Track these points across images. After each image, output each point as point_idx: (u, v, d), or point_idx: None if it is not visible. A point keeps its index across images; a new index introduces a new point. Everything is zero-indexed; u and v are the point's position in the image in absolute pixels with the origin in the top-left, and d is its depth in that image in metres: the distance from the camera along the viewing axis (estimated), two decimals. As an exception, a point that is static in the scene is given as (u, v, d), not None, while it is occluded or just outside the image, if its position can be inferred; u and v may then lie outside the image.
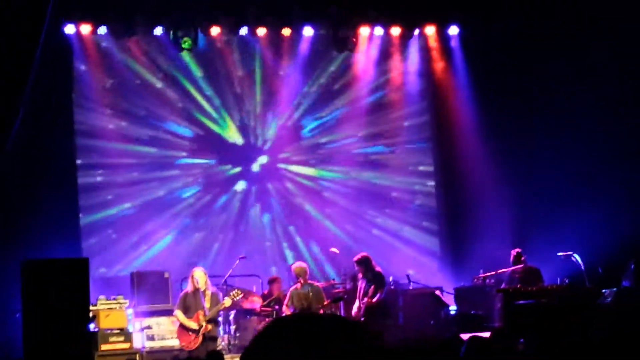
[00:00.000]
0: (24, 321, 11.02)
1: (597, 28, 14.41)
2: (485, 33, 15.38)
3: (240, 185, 15.83)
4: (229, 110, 15.71)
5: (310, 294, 12.51)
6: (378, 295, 12.55)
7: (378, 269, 12.88)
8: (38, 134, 13.72)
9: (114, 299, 12.92)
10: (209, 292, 11.93)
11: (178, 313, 11.94)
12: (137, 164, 15.24)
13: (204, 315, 11.76)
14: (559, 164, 14.82)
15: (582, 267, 12.79)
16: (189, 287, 12.02)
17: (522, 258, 13.31)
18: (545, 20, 14.92)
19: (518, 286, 12.71)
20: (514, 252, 13.46)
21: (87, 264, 11.46)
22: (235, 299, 12.14)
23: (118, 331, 12.60)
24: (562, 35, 14.78)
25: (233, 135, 15.78)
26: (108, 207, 14.95)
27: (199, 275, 11.95)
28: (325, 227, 15.89)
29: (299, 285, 12.61)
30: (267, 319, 13.18)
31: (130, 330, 12.84)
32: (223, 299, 12.11)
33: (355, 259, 12.97)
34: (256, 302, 13.80)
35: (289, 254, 15.66)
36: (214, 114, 15.64)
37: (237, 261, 13.82)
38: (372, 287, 12.55)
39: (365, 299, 12.56)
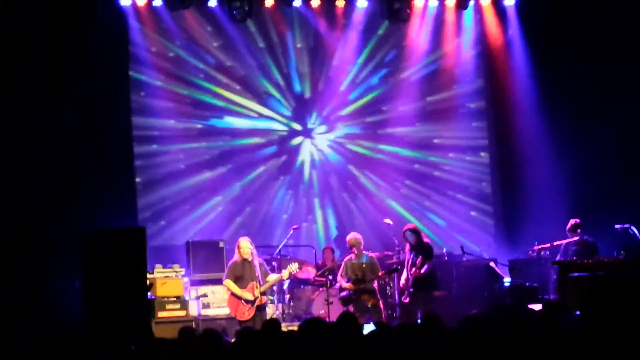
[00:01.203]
0: (84, 289, 11.25)
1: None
2: (542, 2, 15.13)
3: (289, 158, 15.86)
4: (280, 81, 15.73)
5: (365, 264, 12.54)
6: (426, 267, 12.44)
7: (427, 240, 12.80)
8: (93, 107, 13.86)
9: (170, 268, 13.15)
10: (256, 263, 11.95)
11: (229, 282, 11.90)
12: (192, 137, 15.36)
13: (258, 286, 11.82)
14: (617, 134, 14.60)
15: (640, 240, 12.62)
16: (236, 257, 12.00)
17: (579, 230, 13.14)
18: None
19: (574, 258, 12.59)
20: (572, 221, 13.25)
21: (144, 233, 11.64)
22: (292, 272, 12.18)
23: (174, 299, 12.82)
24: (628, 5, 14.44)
25: (283, 107, 15.81)
26: (164, 176, 15.11)
27: (245, 245, 11.94)
28: (376, 199, 15.89)
29: (353, 255, 12.63)
30: (321, 289, 13.29)
31: (187, 298, 13.06)
32: (279, 271, 12.17)
33: (403, 229, 12.90)
34: (310, 272, 13.92)
35: (322, 225, 15.71)
36: (263, 85, 15.65)
37: (291, 231, 13.94)
38: (420, 258, 12.49)
39: (414, 270, 12.49)
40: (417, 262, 12.41)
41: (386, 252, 14.18)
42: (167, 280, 12.90)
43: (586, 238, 13.14)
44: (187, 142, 15.30)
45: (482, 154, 16.19)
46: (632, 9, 14.41)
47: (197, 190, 15.25)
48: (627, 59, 14.49)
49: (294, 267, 12.09)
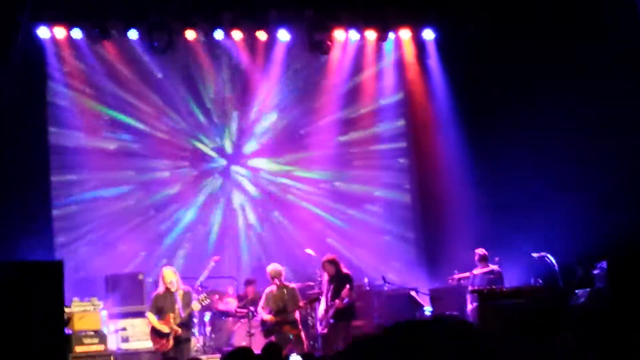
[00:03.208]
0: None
1: (576, 32, 14.44)
2: (460, 36, 15.44)
3: (210, 188, 15.81)
4: (202, 112, 15.69)
5: (286, 295, 12.49)
6: (346, 300, 12.48)
7: (346, 270, 12.85)
8: (10, 136, 13.62)
9: (88, 301, 12.86)
10: (181, 292, 11.75)
11: (150, 315, 11.75)
12: (110, 167, 15.19)
13: (175, 317, 11.59)
14: (534, 164, 14.90)
15: (556, 268, 12.88)
16: (159, 288, 11.85)
17: (488, 260, 13.47)
18: (520, 23, 14.94)
19: (493, 287, 12.80)
20: (481, 252, 13.56)
21: (62, 266, 11.35)
22: (203, 304, 11.99)
23: (92, 333, 12.53)
24: (540, 38, 14.81)
25: (205, 138, 15.77)
26: (81, 207, 14.89)
27: (169, 275, 11.79)
28: (297, 229, 15.89)
29: (274, 286, 12.57)
30: (242, 321, 13.17)
31: (105, 332, 12.79)
32: (193, 300, 12.05)
33: (323, 259, 12.94)
34: (231, 304, 13.80)
35: (257, 256, 15.65)
36: (186, 117, 15.63)
37: (212, 263, 13.79)
38: (345, 288, 12.42)
39: (337, 301, 12.48)
40: (341, 293, 12.39)
41: (307, 283, 14.15)
42: (85, 314, 12.60)
43: (497, 269, 13.43)
44: (104, 172, 15.12)
45: (404, 182, 16.34)
46: (549, 38, 14.76)
47: (115, 221, 15.06)
48: (546, 89, 14.81)
49: (203, 298, 11.90)
